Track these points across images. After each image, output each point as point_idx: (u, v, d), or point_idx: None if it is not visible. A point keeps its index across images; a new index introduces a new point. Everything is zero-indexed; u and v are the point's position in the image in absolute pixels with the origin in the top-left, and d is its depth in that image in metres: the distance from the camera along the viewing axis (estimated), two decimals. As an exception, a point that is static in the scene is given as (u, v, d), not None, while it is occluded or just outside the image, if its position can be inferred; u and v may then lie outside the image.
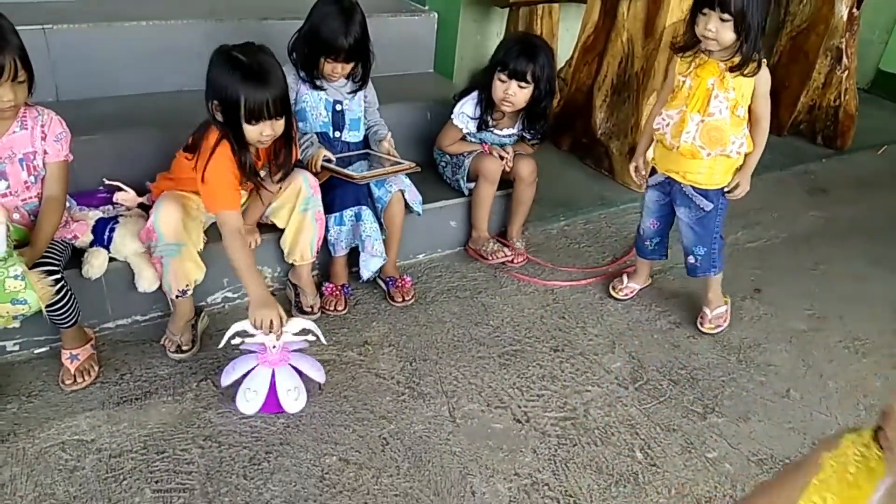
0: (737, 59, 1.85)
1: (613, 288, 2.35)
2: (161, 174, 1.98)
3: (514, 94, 2.27)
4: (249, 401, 1.71)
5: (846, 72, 3.56)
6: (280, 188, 1.95)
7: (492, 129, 2.42)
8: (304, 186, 1.94)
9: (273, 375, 1.72)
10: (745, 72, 1.85)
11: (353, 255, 2.18)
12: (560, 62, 3.56)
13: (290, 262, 2.04)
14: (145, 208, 1.99)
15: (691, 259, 2.17)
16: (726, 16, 1.78)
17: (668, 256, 2.30)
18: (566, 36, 3.69)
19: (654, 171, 2.16)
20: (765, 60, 1.89)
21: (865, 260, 2.71)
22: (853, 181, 3.39)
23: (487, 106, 2.36)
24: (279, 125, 1.73)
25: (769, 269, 2.59)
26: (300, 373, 1.76)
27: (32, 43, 2.11)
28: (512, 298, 2.31)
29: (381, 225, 2.16)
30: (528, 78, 2.24)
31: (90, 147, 2.05)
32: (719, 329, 2.22)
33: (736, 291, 2.38)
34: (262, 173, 1.87)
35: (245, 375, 1.73)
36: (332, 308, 2.10)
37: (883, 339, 2.26)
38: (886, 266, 2.67)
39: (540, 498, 1.61)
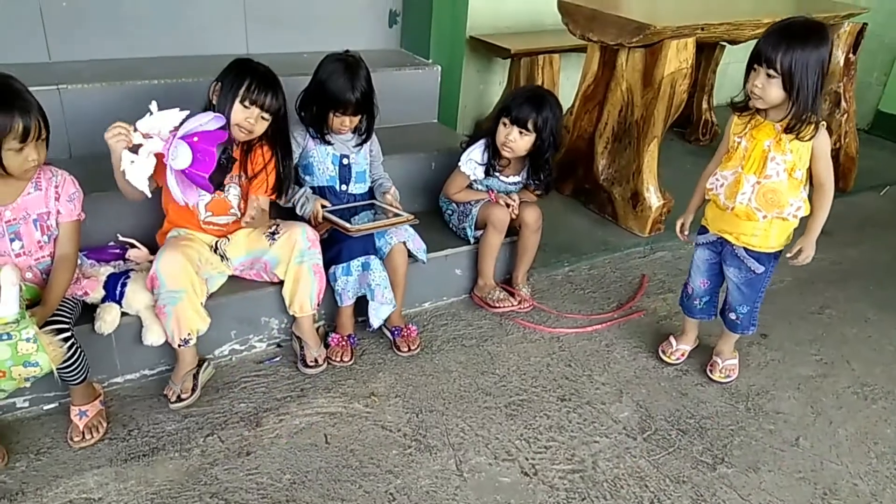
0: (789, 121, 1.80)
1: (663, 352, 2.29)
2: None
3: (514, 139, 2.32)
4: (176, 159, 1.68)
5: (845, 115, 3.61)
6: (253, 212, 1.99)
7: (497, 175, 2.46)
8: (301, 238, 1.98)
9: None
10: (801, 135, 1.80)
11: (360, 305, 2.20)
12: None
13: (291, 313, 2.06)
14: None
15: (732, 316, 2.15)
16: (773, 72, 1.76)
17: (717, 315, 2.23)
18: (567, 84, 3.78)
19: (703, 230, 2.11)
20: (824, 123, 1.83)
21: (871, 302, 2.70)
22: (857, 223, 3.40)
23: (494, 152, 2.41)
24: (261, 124, 1.92)
25: (775, 314, 2.59)
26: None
27: (47, 102, 2.18)
28: (518, 346, 2.32)
29: (387, 274, 2.19)
30: (530, 126, 2.30)
31: (103, 203, 2.09)
32: (729, 379, 2.21)
33: (742, 337, 2.37)
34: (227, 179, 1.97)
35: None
36: (338, 359, 2.11)
37: (892, 385, 2.25)
38: (892, 309, 2.67)
39: (549, 554, 1.59)
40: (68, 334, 1.63)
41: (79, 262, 1.85)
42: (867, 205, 3.63)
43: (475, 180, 2.49)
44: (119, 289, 1.89)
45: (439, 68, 3.03)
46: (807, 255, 1.96)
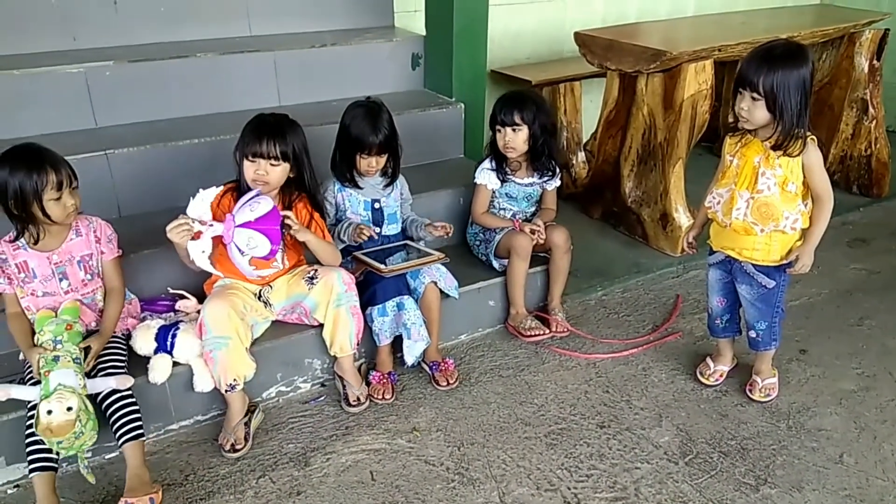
0: (777, 139, 1.88)
1: (701, 373, 2.31)
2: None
3: (511, 139, 2.46)
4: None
5: (874, 121, 3.57)
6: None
7: (512, 179, 2.55)
8: (338, 283, 2.07)
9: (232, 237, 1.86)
10: (789, 151, 1.87)
11: (398, 341, 2.27)
12: (585, 136, 3.70)
13: (332, 354, 2.15)
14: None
15: (752, 333, 2.17)
16: (757, 95, 1.84)
17: (741, 332, 2.26)
18: (590, 107, 3.83)
19: (712, 250, 2.18)
20: (813, 139, 1.90)
21: (913, 312, 2.66)
22: (893, 229, 3.35)
23: (500, 160, 2.53)
24: (275, 172, 2.02)
25: (813, 328, 2.57)
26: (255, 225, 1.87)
27: (96, 167, 2.37)
28: (555, 374, 2.35)
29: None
30: (518, 120, 2.44)
31: (154, 259, 2.23)
32: (769, 398, 2.20)
33: (782, 353, 2.36)
34: None
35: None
36: (379, 397, 2.18)
37: (940, 396, 2.21)
38: (936, 317, 2.62)
39: (595, 583, 1.62)
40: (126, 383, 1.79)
41: (127, 298, 2.04)
42: (905, 210, 3.57)
43: (496, 194, 2.58)
44: (170, 339, 2.00)
45: (462, 105, 3.12)
46: (804, 265, 2.00)
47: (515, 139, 2.47)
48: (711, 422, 2.13)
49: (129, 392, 1.81)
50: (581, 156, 3.64)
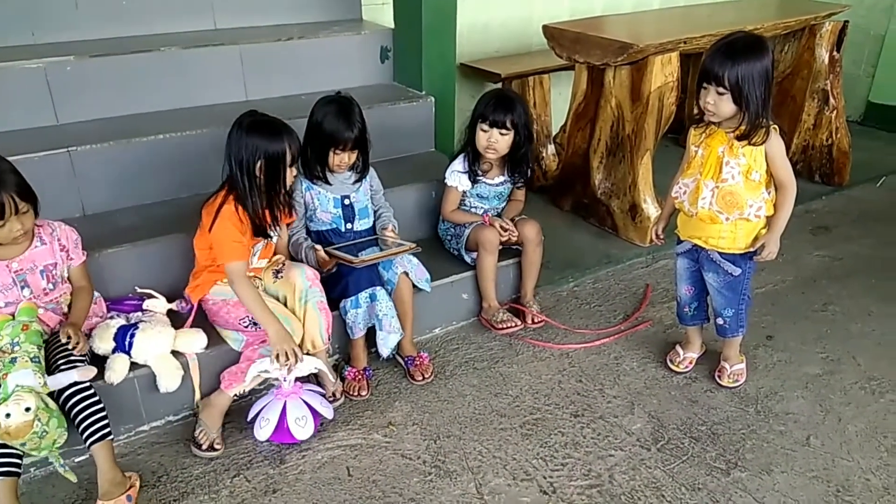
0: (742, 129, 1.92)
1: (671, 361, 2.35)
2: (194, 273, 2.13)
3: (496, 140, 2.44)
4: (262, 428, 1.95)
5: (835, 111, 3.66)
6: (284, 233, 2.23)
7: (483, 179, 2.54)
8: (301, 280, 2.07)
9: (284, 406, 1.95)
10: (753, 141, 1.91)
11: (371, 336, 2.27)
12: (554, 129, 3.73)
13: (305, 351, 2.13)
14: (174, 315, 2.11)
15: (720, 321, 2.22)
16: (722, 89, 1.87)
17: (709, 320, 2.29)
18: (559, 100, 3.85)
19: (680, 240, 2.21)
20: (775, 128, 1.95)
21: (874, 297, 2.74)
22: (855, 216, 3.45)
23: (474, 158, 2.51)
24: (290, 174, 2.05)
25: (779, 315, 2.63)
26: (311, 408, 1.99)
27: (57, 165, 2.31)
28: (529, 366, 2.37)
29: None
30: (508, 125, 2.42)
31: (118, 258, 2.18)
32: (738, 384, 2.25)
33: (749, 339, 2.41)
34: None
35: (263, 408, 1.98)
36: (355, 393, 2.18)
37: (900, 377, 2.28)
38: (894, 301, 2.70)
39: (572, 570, 1.64)
40: (88, 384, 1.75)
41: (95, 294, 2.01)
42: (865, 198, 3.67)
43: (466, 193, 2.57)
44: (128, 339, 1.96)
45: (433, 99, 3.11)
46: (769, 252, 2.03)
47: (500, 142, 2.44)
48: (682, 408, 2.17)
49: (92, 392, 1.75)
50: (551, 148, 3.67)
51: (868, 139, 4.41)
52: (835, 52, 3.59)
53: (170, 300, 2.13)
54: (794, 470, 1.92)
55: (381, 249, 2.32)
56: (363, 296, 2.19)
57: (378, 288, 2.20)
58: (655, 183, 3.10)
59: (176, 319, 2.11)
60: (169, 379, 1.96)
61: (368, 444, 2.01)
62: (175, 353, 2.02)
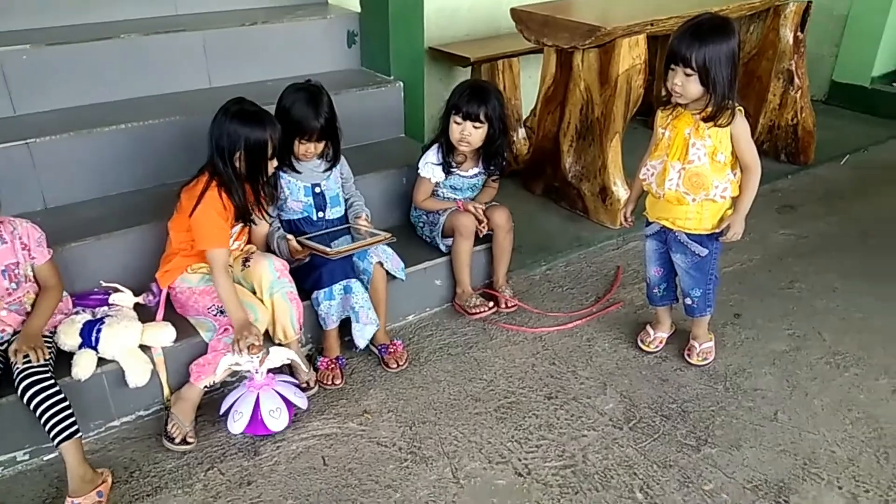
0: (709, 111, 1.94)
1: (642, 341, 2.38)
2: (166, 257, 2.09)
3: (469, 133, 2.41)
4: (236, 421, 1.92)
5: (799, 91, 3.71)
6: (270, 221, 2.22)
7: (456, 171, 2.53)
8: (268, 271, 2.06)
9: (257, 398, 1.93)
10: (719, 122, 1.94)
11: (345, 325, 2.26)
12: (525, 112, 3.72)
13: (276, 342, 2.12)
14: (141, 308, 2.07)
15: (688, 301, 2.25)
16: (690, 71, 1.90)
17: (678, 300, 2.33)
18: (528, 83, 3.85)
19: (648, 222, 2.24)
20: (741, 110, 1.98)
21: (837, 273, 2.80)
22: (820, 195, 3.51)
23: (448, 150, 2.49)
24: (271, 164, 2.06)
25: (747, 293, 2.68)
26: (285, 399, 1.97)
27: (16, 157, 2.25)
28: (503, 350, 2.39)
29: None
30: (481, 118, 2.39)
31: (82, 251, 2.14)
32: (707, 362, 2.29)
33: (717, 318, 2.45)
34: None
35: (236, 401, 1.95)
36: (329, 382, 2.17)
37: (862, 351, 2.34)
38: (858, 277, 2.76)
39: (547, 550, 1.66)
40: (52, 382, 1.70)
41: (64, 294, 1.96)
42: (829, 176, 3.74)
43: (439, 184, 2.56)
44: (94, 335, 1.92)
45: (401, 84, 3.09)
46: (735, 232, 2.06)
47: (474, 135, 2.42)
48: (653, 387, 2.20)
49: (56, 390, 1.71)
50: (522, 132, 3.66)
51: (832, 118, 4.49)
52: (799, 33, 3.64)
53: (136, 293, 2.09)
54: (762, 445, 1.97)
55: (354, 238, 2.30)
56: (337, 287, 2.17)
57: (353, 280, 2.19)
58: (625, 165, 3.12)
59: (143, 313, 2.07)
60: (137, 374, 1.93)
61: (343, 433, 2.01)
62: (143, 348, 1.98)
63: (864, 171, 3.79)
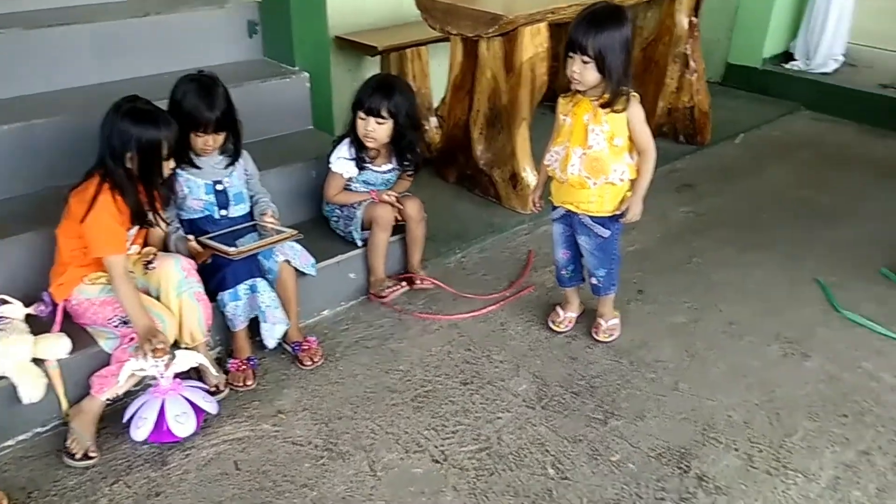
0: (606, 97, 2.02)
1: (552, 322, 2.44)
2: (56, 271, 1.98)
3: (373, 129, 2.40)
4: (139, 427, 1.86)
5: (695, 74, 3.89)
6: (167, 224, 2.14)
7: (369, 166, 2.52)
8: (175, 270, 1.99)
9: (162, 404, 1.87)
10: (615, 108, 2.02)
11: (254, 325, 2.21)
12: (436, 101, 3.73)
13: (183, 345, 2.05)
14: (33, 319, 1.96)
15: (594, 280, 2.34)
16: (587, 58, 1.96)
17: (584, 280, 2.41)
18: (438, 71, 3.85)
19: (554, 206, 2.30)
20: (635, 95, 2.06)
21: (734, 248, 2.96)
22: (717, 173, 3.70)
23: (360, 146, 2.47)
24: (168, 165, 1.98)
25: (649, 270, 2.80)
26: (193, 404, 1.92)
27: None
28: (418, 340, 2.40)
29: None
30: (384, 114, 2.38)
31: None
32: (613, 338, 2.39)
33: (622, 295, 2.53)
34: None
35: (140, 407, 1.89)
36: (240, 384, 2.12)
37: (755, 320, 2.49)
38: (752, 251, 2.94)
39: (464, 533, 1.70)
40: None
41: None
42: (725, 155, 3.94)
43: (352, 179, 2.54)
44: (-19, 349, 1.81)
45: (307, 74, 3.03)
46: (634, 213, 2.16)
47: (378, 131, 2.41)
48: (563, 366, 2.27)
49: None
50: (433, 121, 3.67)
51: (728, 98, 4.72)
52: (693, 18, 3.80)
53: (27, 304, 1.97)
54: (664, 414, 2.07)
55: (261, 236, 2.25)
56: (242, 288, 2.12)
57: (258, 279, 2.14)
58: (534, 152, 3.18)
59: (35, 324, 1.96)
60: (31, 389, 1.83)
61: (257, 436, 1.97)
62: (37, 361, 1.88)
63: (757, 148, 4.01)
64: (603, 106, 2.04)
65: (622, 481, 1.84)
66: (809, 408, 2.08)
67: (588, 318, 2.47)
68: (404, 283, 2.54)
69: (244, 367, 2.16)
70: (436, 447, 1.95)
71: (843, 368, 2.24)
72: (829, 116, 4.37)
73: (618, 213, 2.18)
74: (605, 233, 2.22)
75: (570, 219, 2.27)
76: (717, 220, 3.21)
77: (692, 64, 3.86)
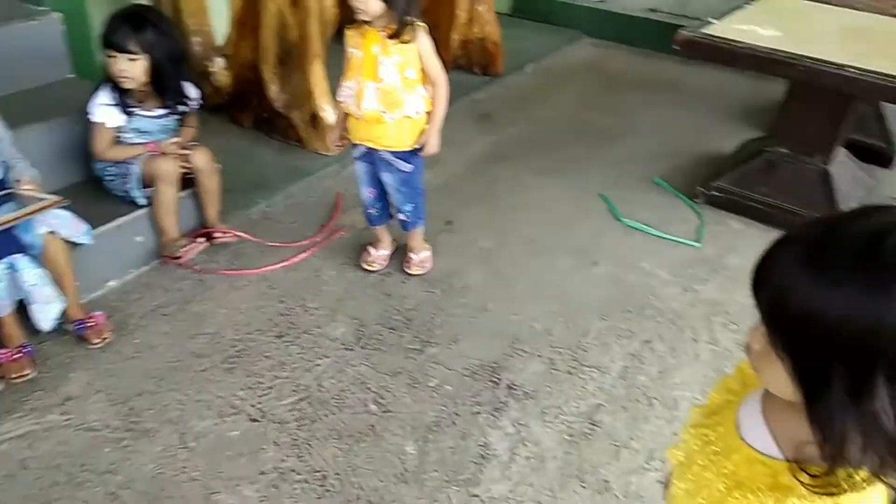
0: (393, 27, 1.97)
1: (365, 262, 2.40)
2: None
3: (125, 68, 2.17)
4: None
5: (484, 5, 3.96)
6: None
7: (139, 112, 2.28)
8: None
9: None
10: (403, 39, 1.98)
11: (25, 309, 1.93)
12: (220, 39, 3.44)
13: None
14: None
15: (402, 216, 2.34)
16: None
17: (393, 217, 2.39)
18: (218, 6, 3.54)
19: (355, 144, 2.23)
20: (423, 26, 2.03)
21: (530, 172, 3.12)
22: (511, 102, 3.84)
23: (123, 90, 2.22)
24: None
25: (456, 201, 2.87)
26: None
27: None
28: (225, 299, 2.27)
29: (48, 268, 1.94)
30: (135, 48, 2.16)
31: None
32: (425, 269, 2.43)
33: (431, 228, 2.56)
34: None
35: None
36: (16, 376, 1.86)
37: (551, 237, 2.66)
38: (545, 174, 3.11)
39: (289, 486, 1.67)
40: None
41: None
42: (518, 84, 4.10)
43: (122, 129, 2.28)
44: None
45: (59, 15, 2.63)
46: (432, 146, 2.18)
47: (133, 69, 2.16)
48: (379, 303, 2.28)
49: None
50: (220, 62, 3.37)
51: (518, 29, 4.88)
52: (478, -50, 3.84)
53: None
54: (476, 335, 2.17)
55: (18, 207, 1.94)
56: (0, 268, 1.83)
57: (17, 256, 1.85)
58: (333, 89, 3.06)
59: None
60: None
61: (44, 429, 1.76)
62: None
63: (546, 76, 4.23)
64: (391, 37, 2.00)
65: (440, 403, 1.91)
66: (600, 309, 2.29)
67: (400, 253, 2.49)
68: (202, 240, 2.37)
69: (18, 355, 1.89)
70: (253, 406, 1.87)
71: (626, 270, 2.49)
72: (607, 42, 4.70)
73: (417, 146, 2.18)
74: (408, 167, 2.21)
75: (371, 156, 2.24)
76: (515, 147, 3.36)
77: (481, -5, 3.93)
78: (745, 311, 2.25)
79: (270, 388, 1.94)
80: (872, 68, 2.26)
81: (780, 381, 0.71)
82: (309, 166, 3.03)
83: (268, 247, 2.50)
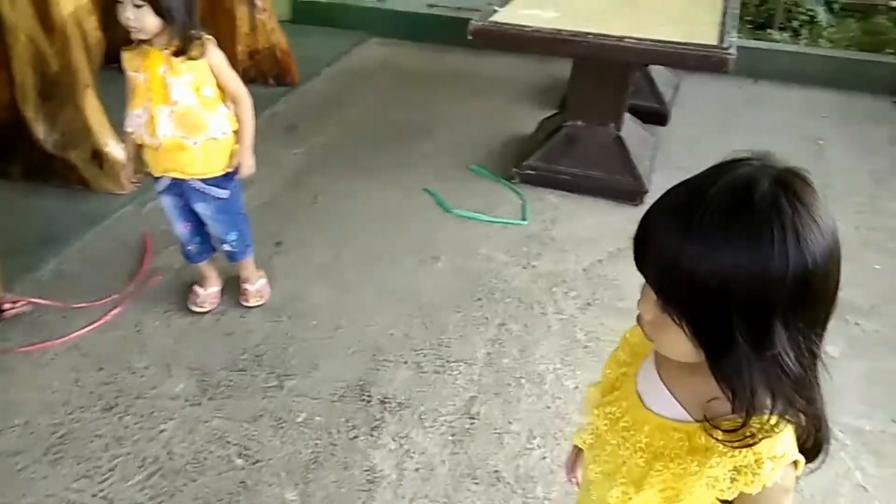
0: (176, 44, 1.79)
1: (194, 304, 2.19)
2: None
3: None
4: None
5: (264, 13, 3.79)
6: None
7: None
8: None
9: None
10: (191, 55, 1.81)
11: None
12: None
13: None
14: None
15: (227, 247, 2.14)
16: (139, 1, 1.70)
17: (216, 250, 2.19)
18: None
19: (157, 177, 2.00)
20: (211, 39, 1.86)
21: (351, 177, 3.04)
22: (314, 110, 3.73)
23: None
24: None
25: (280, 220, 2.71)
26: None
27: None
28: (32, 379, 1.93)
29: None
30: None
31: None
32: (264, 300, 2.26)
33: (261, 253, 2.39)
34: None
35: None
36: None
37: (386, 240, 2.62)
38: (365, 177, 3.05)
39: (160, 576, 1.45)
40: None
41: None
42: (316, 91, 3.98)
43: None
44: None
45: None
46: (247, 166, 2.02)
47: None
48: (220, 346, 2.08)
49: None
50: (-37, 107, 2.87)
51: (302, 36, 4.72)
52: (246, -45, 3.65)
53: None
54: (335, 355, 2.06)
55: None
56: None
57: None
58: (114, 121, 2.73)
59: None
60: None
61: None
62: None
63: (342, 80, 4.16)
64: (176, 54, 1.81)
65: (314, 437, 1.79)
66: (452, 302, 2.29)
67: (232, 287, 2.29)
68: None
69: None
70: (95, 496, 1.61)
71: (466, 259, 2.52)
72: (394, 40, 4.74)
73: (230, 169, 2.01)
74: (223, 193, 2.03)
75: (179, 187, 2.02)
76: (328, 154, 3.26)
77: (259, 3, 3.75)
78: (578, 277, 2.39)
79: (111, 470, 1.67)
80: (648, 36, 2.50)
81: (680, 345, 0.72)
82: (102, 210, 2.69)
83: (71, 309, 2.17)
